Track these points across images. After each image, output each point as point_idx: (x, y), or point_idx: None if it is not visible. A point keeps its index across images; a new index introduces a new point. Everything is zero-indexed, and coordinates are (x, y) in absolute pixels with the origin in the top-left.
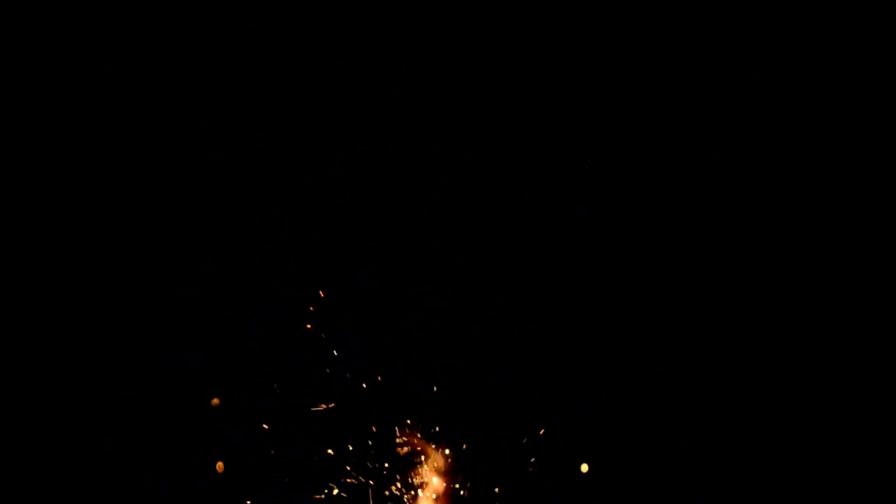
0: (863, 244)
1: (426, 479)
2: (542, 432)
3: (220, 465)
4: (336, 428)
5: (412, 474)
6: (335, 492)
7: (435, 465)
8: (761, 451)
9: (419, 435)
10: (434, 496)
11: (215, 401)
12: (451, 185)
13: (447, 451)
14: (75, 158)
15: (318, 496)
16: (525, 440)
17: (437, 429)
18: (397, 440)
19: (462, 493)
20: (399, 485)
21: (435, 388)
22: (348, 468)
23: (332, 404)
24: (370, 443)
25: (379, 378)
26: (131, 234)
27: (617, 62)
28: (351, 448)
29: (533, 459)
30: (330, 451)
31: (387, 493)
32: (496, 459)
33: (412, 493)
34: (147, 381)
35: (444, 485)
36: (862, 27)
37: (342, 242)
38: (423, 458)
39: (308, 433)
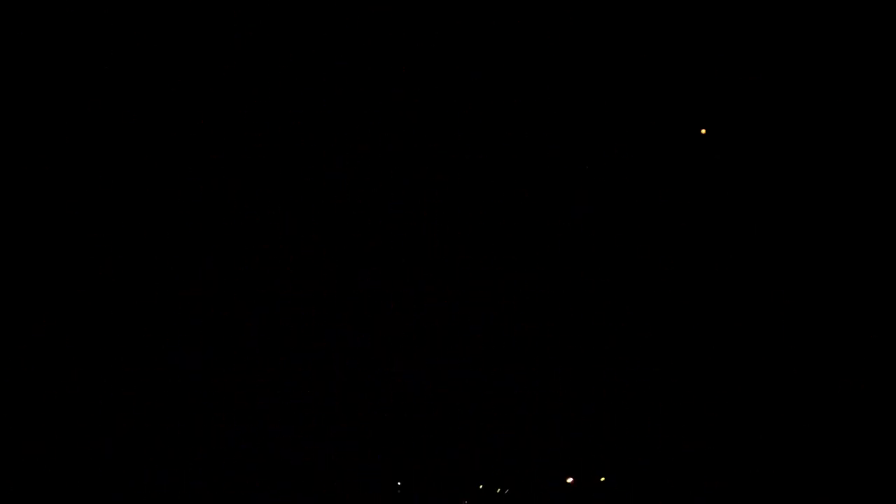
0: (863, 244)
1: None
2: (541, 433)
3: None
4: (335, 428)
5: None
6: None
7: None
8: (761, 452)
9: None
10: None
11: None
12: (451, 185)
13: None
14: (75, 158)
15: None
16: (525, 441)
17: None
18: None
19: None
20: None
21: (435, 389)
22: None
23: None
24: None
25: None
26: (131, 234)
27: (617, 62)
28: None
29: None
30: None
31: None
32: (496, 459)
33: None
34: (147, 381)
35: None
36: (862, 27)
37: (342, 242)
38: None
39: (308, 434)
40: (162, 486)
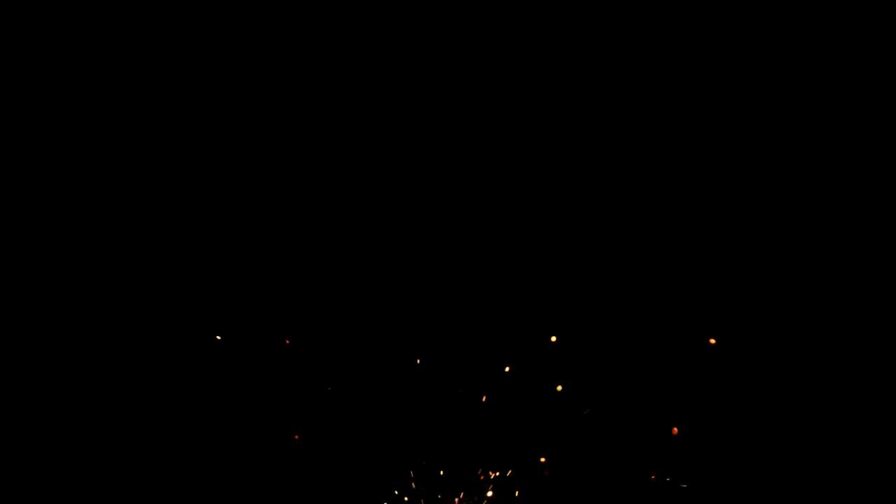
0: (863, 244)
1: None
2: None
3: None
4: (335, 428)
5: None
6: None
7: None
8: (762, 452)
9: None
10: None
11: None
12: (451, 185)
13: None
14: (75, 158)
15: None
16: (527, 439)
17: (439, 431)
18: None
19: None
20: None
21: (435, 389)
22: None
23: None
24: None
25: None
26: (131, 234)
27: (617, 62)
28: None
29: (543, 460)
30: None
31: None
32: (499, 458)
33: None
34: (147, 381)
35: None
36: (862, 27)
37: (343, 242)
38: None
39: (308, 434)
40: (162, 486)
